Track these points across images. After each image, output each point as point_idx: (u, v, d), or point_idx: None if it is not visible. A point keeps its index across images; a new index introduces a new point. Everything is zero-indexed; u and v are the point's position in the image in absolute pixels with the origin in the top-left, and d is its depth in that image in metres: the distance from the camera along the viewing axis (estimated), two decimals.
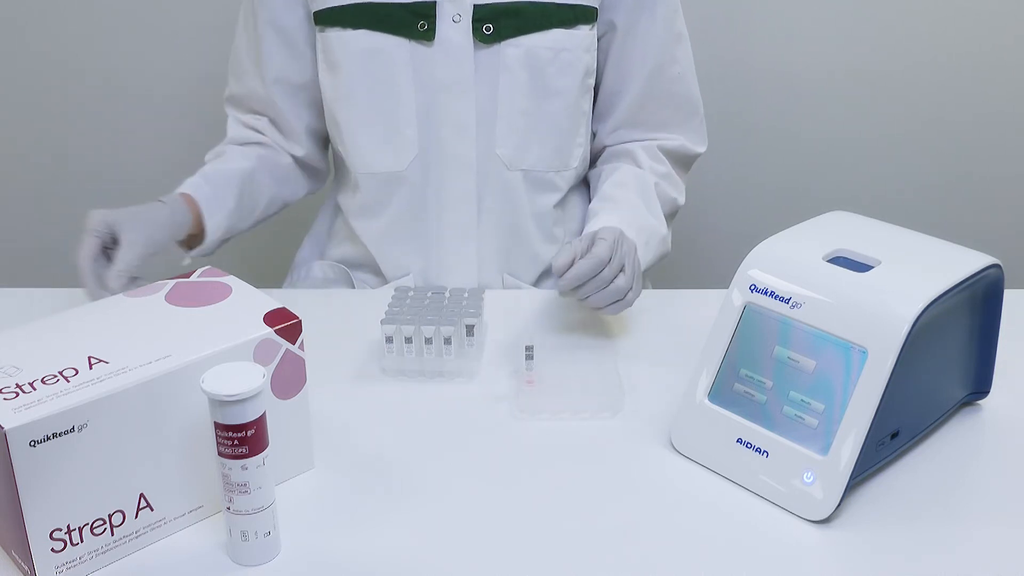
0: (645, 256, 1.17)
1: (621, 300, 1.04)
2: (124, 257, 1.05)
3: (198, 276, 0.89)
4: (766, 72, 1.78)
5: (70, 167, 1.85)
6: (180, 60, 1.76)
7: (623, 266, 1.04)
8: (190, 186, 1.20)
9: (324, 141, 1.35)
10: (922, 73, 1.78)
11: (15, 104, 1.81)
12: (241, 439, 0.72)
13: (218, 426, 0.72)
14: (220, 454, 0.73)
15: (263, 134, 1.31)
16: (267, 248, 1.67)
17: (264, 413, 0.73)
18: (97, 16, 1.75)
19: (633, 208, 1.21)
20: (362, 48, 1.19)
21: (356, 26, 1.18)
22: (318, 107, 1.29)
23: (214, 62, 1.52)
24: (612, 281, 1.02)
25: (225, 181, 1.23)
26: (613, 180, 1.27)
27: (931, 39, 1.76)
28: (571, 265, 1.00)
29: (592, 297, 1.03)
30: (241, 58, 1.29)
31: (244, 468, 0.73)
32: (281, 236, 1.58)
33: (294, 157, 1.32)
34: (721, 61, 1.72)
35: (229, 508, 0.75)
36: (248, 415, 0.72)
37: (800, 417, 0.83)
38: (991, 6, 1.73)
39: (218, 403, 0.71)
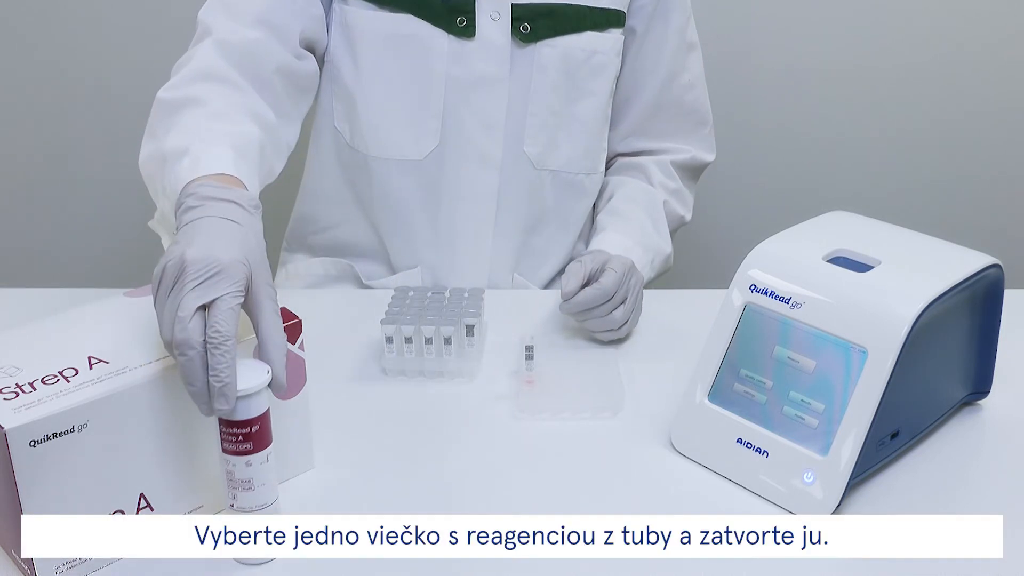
0: (648, 275, 1.20)
1: (615, 330, 1.06)
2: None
3: None
4: (766, 72, 1.78)
5: (69, 167, 1.85)
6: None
7: (625, 299, 1.06)
8: (233, 168, 0.91)
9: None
10: (922, 73, 1.78)
11: (15, 104, 1.81)
12: (245, 435, 0.72)
13: (222, 422, 0.72)
14: (224, 451, 0.73)
15: (259, 54, 1.10)
16: (267, 248, 1.67)
17: (268, 410, 0.73)
18: (97, 16, 1.75)
19: (641, 226, 1.24)
20: (396, 32, 1.17)
21: (394, 8, 1.17)
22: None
23: None
24: (611, 313, 1.05)
25: (253, 156, 0.98)
26: (623, 194, 1.28)
27: (931, 39, 1.76)
28: (578, 291, 1.03)
29: (589, 323, 1.06)
30: None
31: (248, 464, 0.73)
32: (279, 235, 1.58)
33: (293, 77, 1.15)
34: (721, 61, 1.72)
35: (233, 506, 0.75)
36: (252, 411, 0.72)
37: (800, 417, 0.83)
38: (991, 6, 1.73)
39: None
